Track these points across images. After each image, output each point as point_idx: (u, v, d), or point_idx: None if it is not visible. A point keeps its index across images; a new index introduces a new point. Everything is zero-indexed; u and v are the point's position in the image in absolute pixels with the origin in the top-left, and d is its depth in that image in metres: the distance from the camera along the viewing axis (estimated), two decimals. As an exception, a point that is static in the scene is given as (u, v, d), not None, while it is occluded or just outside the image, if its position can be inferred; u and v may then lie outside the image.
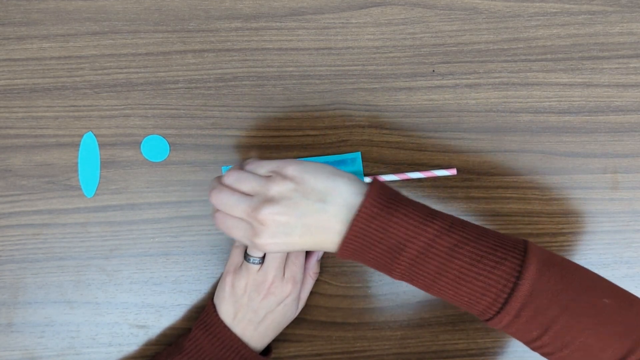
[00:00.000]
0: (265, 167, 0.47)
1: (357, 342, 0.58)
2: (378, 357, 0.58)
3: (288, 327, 0.56)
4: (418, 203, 0.45)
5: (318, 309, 0.58)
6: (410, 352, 0.58)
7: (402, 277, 0.45)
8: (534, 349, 0.44)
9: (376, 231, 0.43)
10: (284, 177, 0.45)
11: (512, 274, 0.42)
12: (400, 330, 0.58)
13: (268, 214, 0.44)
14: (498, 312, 0.43)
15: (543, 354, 0.44)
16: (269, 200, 0.44)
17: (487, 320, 0.44)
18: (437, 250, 0.43)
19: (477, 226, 0.45)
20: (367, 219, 0.43)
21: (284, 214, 0.44)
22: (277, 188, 0.44)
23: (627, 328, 0.42)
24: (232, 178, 0.47)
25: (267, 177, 0.46)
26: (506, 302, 0.42)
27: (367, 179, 0.56)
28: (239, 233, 0.46)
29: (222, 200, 0.46)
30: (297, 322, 0.57)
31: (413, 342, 0.58)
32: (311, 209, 0.44)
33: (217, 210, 0.47)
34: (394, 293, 0.58)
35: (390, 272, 0.45)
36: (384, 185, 0.45)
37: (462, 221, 0.45)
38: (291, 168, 0.45)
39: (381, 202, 0.44)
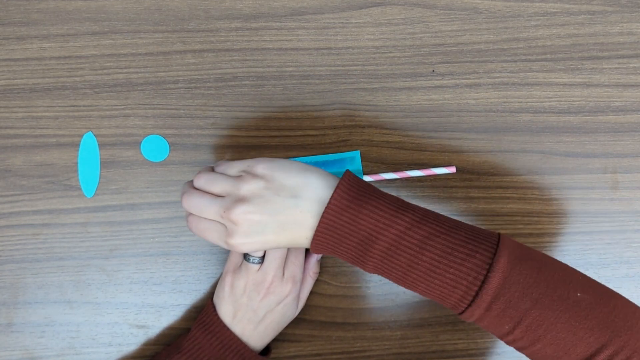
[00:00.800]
0: (235, 167, 0.47)
1: (357, 342, 0.58)
2: (378, 357, 0.58)
3: (288, 327, 0.56)
4: (390, 195, 0.45)
5: (318, 309, 0.58)
6: (410, 352, 0.58)
7: (375, 270, 0.45)
8: (507, 342, 0.44)
9: (347, 223, 0.43)
10: (255, 176, 0.45)
11: (483, 267, 0.42)
12: (400, 330, 0.58)
13: (240, 213, 0.44)
14: (469, 305, 0.42)
15: (517, 348, 0.44)
16: (240, 200, 0.44)
17: (460, 313, 0.44)
18: (408, 242, 0.43)
19: (450, 219, 0.45)
20: (338, 211, 0.43)
21: (256, 213, 0.44)
22: (247, 187, 0.44)
23: (602, 323, 0.41)
24: (202, 180, 0.47)
25: (238, 177, 0.46)
26: (477, 294, 0.42)
27: (367, 178, 0.56)
28: (213, 235, 0.46)
29: (194, 203, 0.46)
30: (297, 322, 0.57)
31: (413, 342, 0.58)
32: (283, 205, 0.44)
33: (190, 214, 0.47)
34: (394, 293, 0.58)
35: (363, 265, 0.45)
36: (355, 178, 0.45)
37: (435, 214, 0.45)
38: (261, 166, 0.45)
39: (351, 194, 0.43)
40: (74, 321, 0.57)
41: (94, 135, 0.57)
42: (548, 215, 0.58)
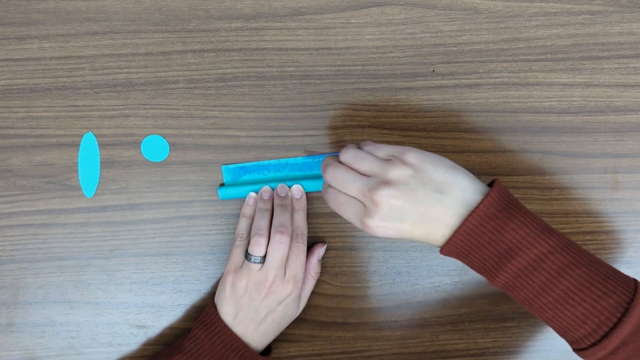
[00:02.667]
0: (384, 150, 0.46)
1: (357, 342, 0.58)
2: (378, 357, 0.58)
3: (288, 327, 0.56)
4: (536, 215, 0.44)
5: (318, 309, 0.58)
6: (410, 352, 0.58)
7: (503, 286, 0.44)
8: None
9: (490, 232, 0.42)
10: (404, 162, 0.45)
11: (618, 309, 0.41)
12: (400, 330, 0.58)
13: (384, 195, 0.43)
14: (594, 344, 0.41)
15: None
16: (386, 183, 0.44)
17: (579, 349, 0.43)
18: (547, 266, 0.42)
19: (589, 253, 0.44)
20: (484, 217, 0.42)
21: (399, 198, 0.43)
22: (396, 172, 0.44)
23: None
24: (350, 155, 0.46)
25: (387, 160, 0.45)
26: (606, 335, 0.41)
27: None
28: (349, 211, 0.46)
29: (338, 176, 0.46)
30: (297, 322, 0.57)
31: (413, 342, 0.58)
32: (428, 199, 0.44)
33: (330, 187, 0.47)
34: (394, 293, 0.58)
35: (493, 277, 0.44)
36: (505, 189, 0.45)
37: (577, 244, 0.44)
38: (412, 155, 0.45)
39: (501, 204, 0.43)
40: (74, 321, 0.57)
41: (94, 135, 0.57)
42: (548, 215, 0.58)
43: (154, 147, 0.57)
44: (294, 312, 0.54)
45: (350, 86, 0.57)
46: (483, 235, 0.43)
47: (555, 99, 0.58)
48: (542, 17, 0.58)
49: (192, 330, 0.53)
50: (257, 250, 0.52)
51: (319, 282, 0.57)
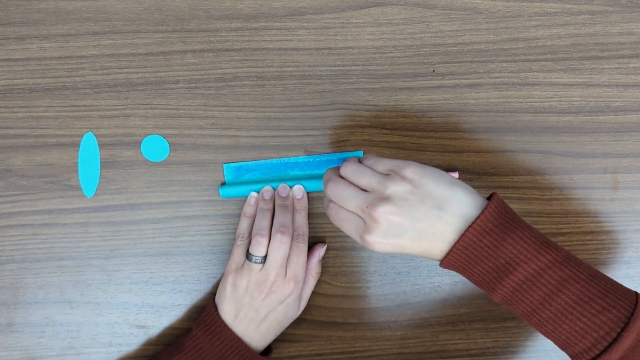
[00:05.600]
0: (384, 164, 0.46)
1: (357, 342, 0.58)
2: (378, 357, 0.58)
3: (288, 327, 0.56)
4: (535, 229, 0.44)
5: (318, 309, 0.58)
6: (410, 352, 0.58)
7: (503, 299, 0.44)
8: None
9: (487, 247, 0.43)
10: (403, 178, 0.45)
11: (617, 324, 0.41)
12: (400, 330, 0.58)
13: (382, 212, 0.44)
14: (593, 359, 0.41)
15: None
16: (385, 199, 0.44)
17: None
18: (545, 280, 0.42)
19: (590, 267, 0.44)
20: (481, 232, 0.43)
21: (398, 215, 0.44)
22: (394, 187, 0.44)
23: None
24: (350, 170, 0.47)
25: (386, 175, 0.45)
26: (605, 350, 0.41)
27: None
28: (349, 227, 0.46)
29: (338, 192, 0.46)
30: (297, 322, 0.57)
31: (413, 342, 0.58)
32: (426, 215, 0.44)
33: (331, 201, 0.47)
34: (394, 293, 0.58)
35: (492, 291, 0.44)
36: (503, 204, 0.45)
37: (576, 258, 0.44)
38: (410, 170, 0.45)
39: (498, 219, 0.43)
40: (74, 321, 0.57)
41: (94, 135, 0.57)
42: (548, 215, 0.58)
43: (154, 147, 0.57)
44: (294, 312, 0.54)
45: (350, 86, 0.57)
46: (480, 250, 0.43)
47: (555, 99, 0.58)
48: (542, 17, 0.58)
49: (193, 330, 0.53)
50: (258, 250, 0.52)
51: (319, 282, 0.57)
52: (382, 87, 0.57)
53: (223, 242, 0.57)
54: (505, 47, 0.57)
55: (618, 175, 0.58)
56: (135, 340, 0.57)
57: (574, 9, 0.58)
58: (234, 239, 0.56)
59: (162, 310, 0.57)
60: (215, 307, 0.53)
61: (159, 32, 0.57)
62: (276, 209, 0.55)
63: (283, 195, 0.55)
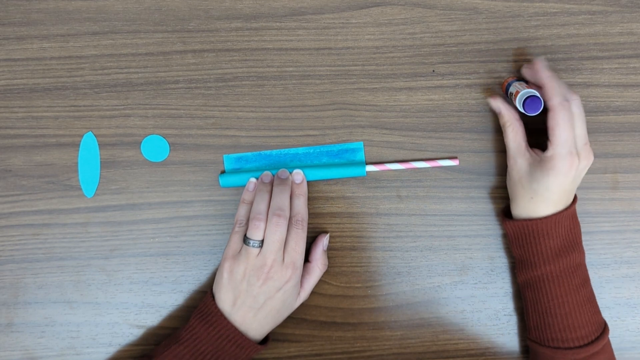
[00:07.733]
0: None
1: (357, 342, 0.58)
2: (378, 357, 0.58)
3: (288, 327, 0.56)
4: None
5: (318, 309, 0.58)
6: (410, 352, 0.58)
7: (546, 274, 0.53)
8: None
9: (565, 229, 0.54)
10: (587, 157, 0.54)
11: (600, 325, 0.53)
12: (400, 330, 0.58)
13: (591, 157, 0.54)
14: (584, 345, 0.52)
15: None
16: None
17: (569, 348, 0.52)
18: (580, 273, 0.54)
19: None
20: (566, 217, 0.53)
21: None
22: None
23: None
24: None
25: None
26: (591, 342, 0.52)
27: (372, 167, 0.56)
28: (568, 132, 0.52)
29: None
30: (297, 322, 0.57)
31: (413, 342, 0.58)
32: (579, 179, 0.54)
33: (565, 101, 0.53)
34: (394, 293, 0.58)
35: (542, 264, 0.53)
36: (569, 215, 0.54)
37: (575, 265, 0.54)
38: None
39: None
40: (74, 321, 0.57)
41: (94, 135, 0.57)
42: (548, 215, 0.58)
43: (154, 147, 0.57)
44: (293, 300, 0.54)
45: (350, 86, 0.57)
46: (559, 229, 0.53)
47: (555, 99, 0.58)
48: (542, 17, 0.58)
49: (190, 320, 0.53)
50: (255, 234, 0.51)
51: (319, 282, 0.57)
52: (382, 87, 0.57)
53: (223, 242, 0.57)
54: (505, 47, 0.57)
55: (618, 175, 0.58)
56: (135, 341, 0.57)
57: (574, 9, 0.58)
58: (232, 226, 0.55)
59: (162, 310, 0.57)
60: (212, 297, 0.53)
61: (159, 32, 0.57)
62: (274, 191, 0.54)
63: (282, 178, 0.55)
